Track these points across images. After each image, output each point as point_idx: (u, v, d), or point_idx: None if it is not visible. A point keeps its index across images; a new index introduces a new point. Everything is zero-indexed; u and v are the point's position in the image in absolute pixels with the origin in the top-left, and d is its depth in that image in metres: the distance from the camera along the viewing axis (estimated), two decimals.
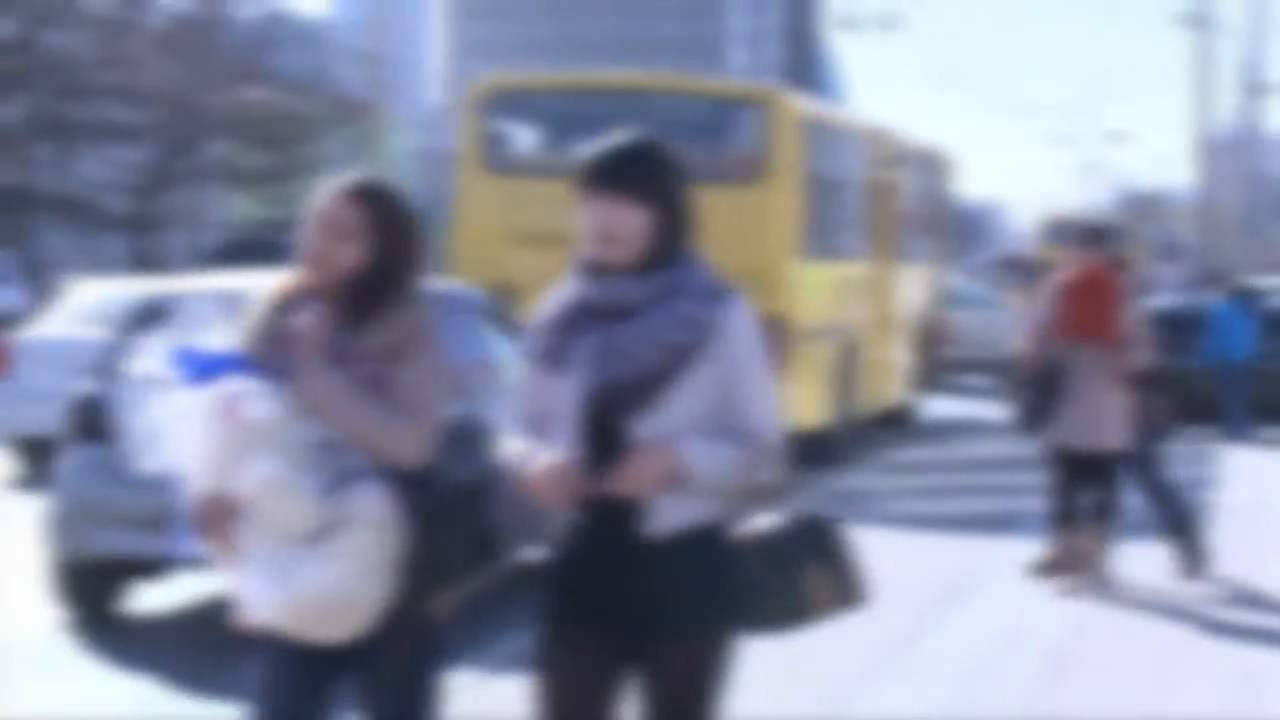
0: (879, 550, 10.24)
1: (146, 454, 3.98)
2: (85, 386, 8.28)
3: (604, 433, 3.61)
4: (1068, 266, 9.30)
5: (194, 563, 7.26)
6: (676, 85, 16.09)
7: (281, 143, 42.85)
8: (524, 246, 13.76)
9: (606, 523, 3.63)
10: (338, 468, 3.77)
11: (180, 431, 3.84)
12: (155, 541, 7.57)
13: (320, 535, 3.74)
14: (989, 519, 11.78)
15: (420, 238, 3.94)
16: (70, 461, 8.12)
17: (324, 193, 3.90)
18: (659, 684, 3.65)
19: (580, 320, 3.66)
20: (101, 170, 39.77)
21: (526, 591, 7.75)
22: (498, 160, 14.62)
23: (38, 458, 12.12)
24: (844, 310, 15.95)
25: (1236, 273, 48.35)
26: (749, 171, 14.14)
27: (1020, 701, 6.76)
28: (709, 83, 18.77)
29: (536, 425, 3.70)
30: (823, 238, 15.31)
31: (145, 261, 39.81)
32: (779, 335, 13.58)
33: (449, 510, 3.84)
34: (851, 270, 16.43)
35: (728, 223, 13.10)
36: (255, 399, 3.77)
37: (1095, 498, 9.08)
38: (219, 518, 3.78)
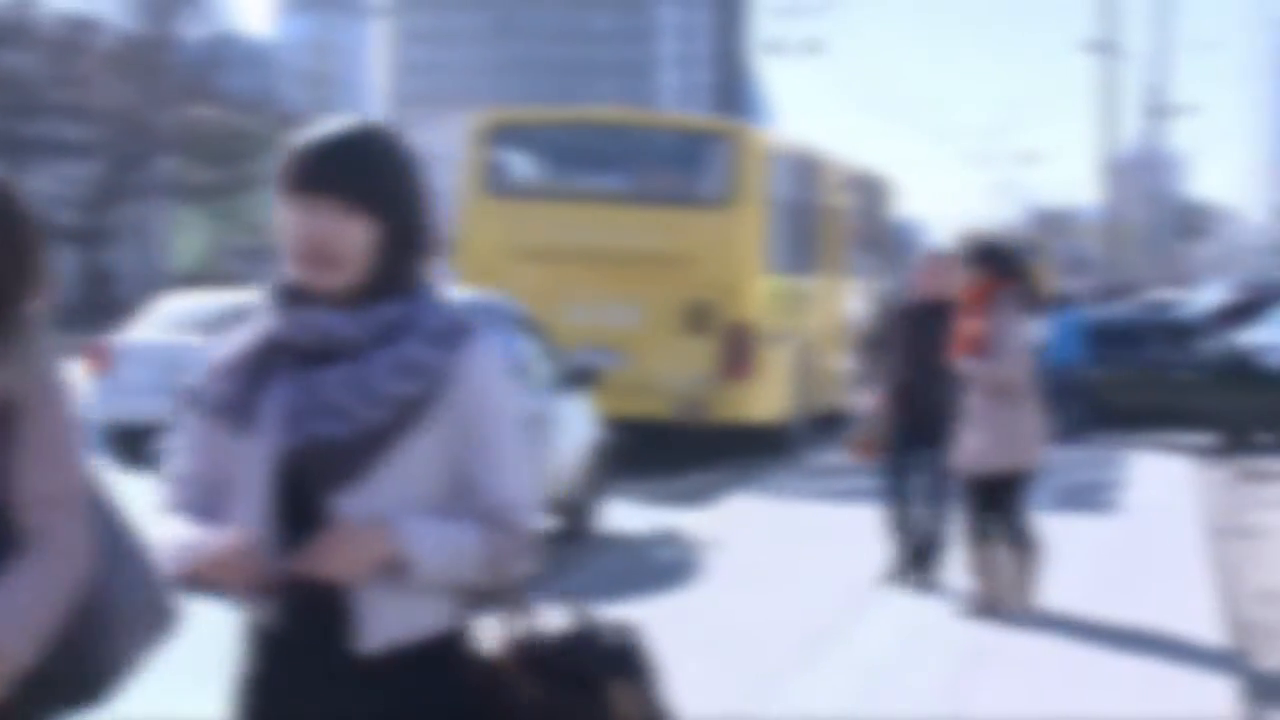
0: (801, 547, 10.27)
1: None
2: (189, 384, 8.54)
3: (300, 509, 2.59)
4: (960, 287, 8.66)
5: None
6: (657, 120, 17.86)
7: (229, 159, 42.64)
8: (523, 262, 14.89)
9: (305, 631, 2.60)
10: None
11: None
12: None
13: None
14: None
15: (40, 247, 2.76)
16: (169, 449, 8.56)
17: None
18: None
19: (273, 364, 2.70)
20: (52, 185, 39.34)
21: None
22: (498, 185, 15.72)
23: (130, 443, 13.56)
24: (800, 319, 16.98)
25: (1141, 286, 48.83)
26: (720, 197, 15.37)
27: (932, 697, 6.73)
28: (685, 118, 21.43)
29: (207, 497, 2.69)
30: (782, 255, 16.45)
31: (95, 274, 39.40)
32: (746, 341, 15.18)
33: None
34: (806, 284, 17.38)
35: (701, 242, 15.10)
36: None
37: (1005, 519, 8.43)
38: None
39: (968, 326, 8.36)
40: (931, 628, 8.17)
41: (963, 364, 8.33)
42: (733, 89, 33.86)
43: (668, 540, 10.79)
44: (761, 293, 15.73)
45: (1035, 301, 9.19)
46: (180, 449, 2.80)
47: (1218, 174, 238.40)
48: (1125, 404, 18.24)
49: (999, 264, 8.42)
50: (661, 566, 9.88)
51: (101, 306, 36.94)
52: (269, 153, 46.17)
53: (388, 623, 2.57)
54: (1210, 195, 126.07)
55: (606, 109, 19.51)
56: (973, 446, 8.32)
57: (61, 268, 40.11)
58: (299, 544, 2.57)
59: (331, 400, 2.62)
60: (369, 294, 2.64)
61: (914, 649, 7.69)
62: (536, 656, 2.64)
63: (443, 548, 2.57)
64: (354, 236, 2.61)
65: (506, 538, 2.63)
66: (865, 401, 9.43)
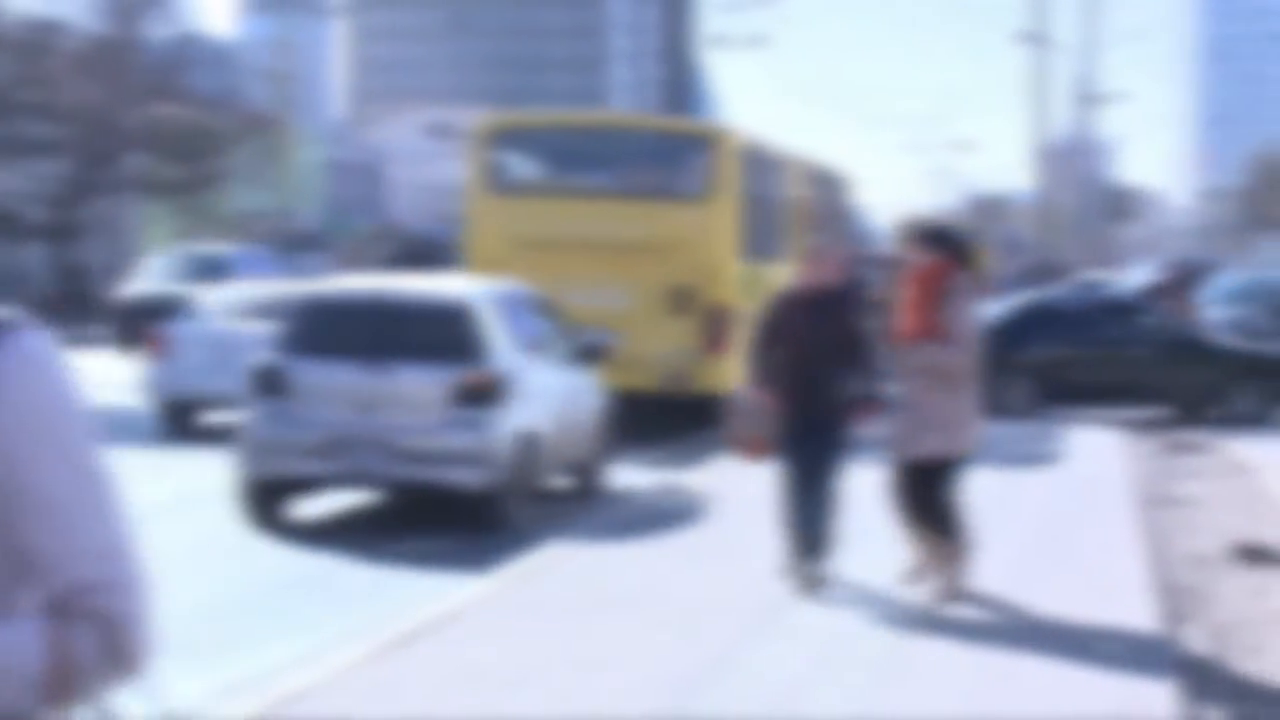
0: (726, 546, 10.25)
1: None
2: (264, 358, 10.81)
3: None
4: (905, 269, 8.35)
5: (335, 482, 10.66)
6: (642, 123, 19.17)
7: (194, 156, 42.38)
8: (524, 252, 15.85)
9: None
10: None
11: None
12: (313, 465, 10.50)
13: None
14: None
15: None
16: (254, 411, 10.68)
17: None
18: None
19: None
20: (23, 182, 38.96)
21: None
22: (500, 183, 16.68)
23: (180, 416, 15.76)
24: None
25: (1072, 267, 49.09)
26: (699, 192, 16.43)
27: (852, 702, 6.28)
28: (669, 121, 22.17)
29: None
30: (754, 243, 17.34)
31: (65, 268, 39.08)
32: (723, 320, 16.16)
33: None
34: (775, 269, 17.79)
35: (683, 232, 16.19)
36: None
37: (939, 505, 8.11)
38: None
39: (922, 313, 7.90)
40: (850, 629, 7.73)
41: (919, 352, 7.88)
42: (681, 83, 33.83)
43: (670, 494, 11.85)
44: (736, 277, 16.60)
45: (983, 286, 9.05)
46: None
47: (1144, 159, 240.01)
48: (1075, 381, 18.39)
49: (951, 248, 8.02)
50: (666, 514, 10.88)
51: (72, 300, 36.61)
52: (234, 149, 45.93)
53: None
54: (1137, 180, 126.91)
55: (598, 114, 23.83)
56: (913, 433, 7.92)
57: (33, 263, 39.76)
58: None
59: None
60: None
61: (833, 651, 7.27)
62: None
63: None
64: None
65: (87, 635, 1.71)
66: (750, 395, 8.47)
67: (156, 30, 42.37)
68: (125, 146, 40.14)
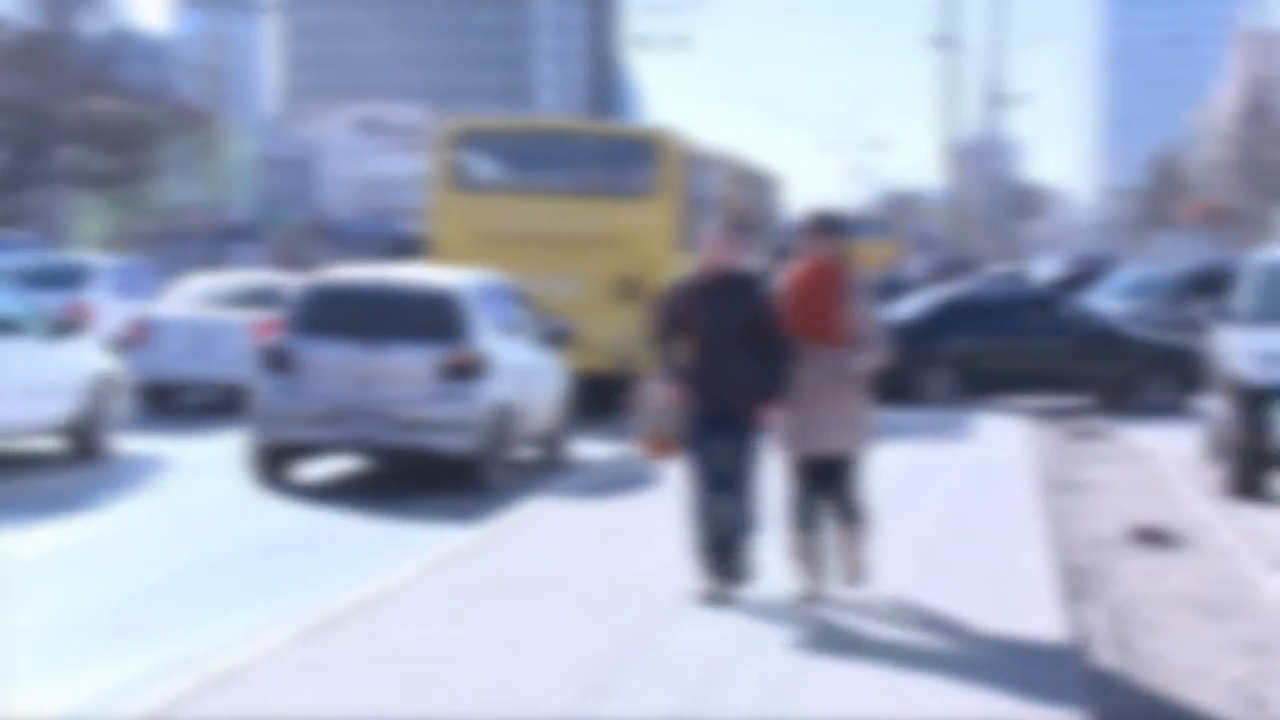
0: (647, 547, 10.25)
1: None
2: (274, 340, 11.96)
3: None
4: (796, 262, 7.67)
5: (335, 448, 11.87)
6: (594, 128, 20.38)
7: (127, 148, 41.87)
8: (484, 245, 16.52)
9: None
10: None
11: None
12: (316, 432, 11.62)
13: None
14: None
15: None
16: (264, 385, 11.80)
17: None
18: None
19: None
20: None
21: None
22: (463, 182, 17.45)
23: (159, 398, 16.69)
24: None
25: (982, 262, 49.49)
26: (645, 190, 17.27)
27: (756, 701, 6.11)
28: (618, 127, 23.56)
29: None
30: (694, 237, 18.02)
31: None
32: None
33: None
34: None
35: (630, 227, 17.01)
36: None
37: (836, 504, 7.64)
38: None
39: (830, 311, 7.41)
40: (753, 630, 7.29)
41: (833, 358, 7.41)
42: (605, 81, 33.60)
43: (624, 463, 12.24)
44: (678, 268, 17.30)
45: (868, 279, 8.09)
46: None
47: (1050, 158, 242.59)
48: (994, 372, 18.57)
49: (843, 237, 7.57)
50: (623, 480, 11.53)
51: None
52: (166, 142, 45.42)
53: None
54: (1043, 178, 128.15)
55: (553, 119, 25.70)
56: (813, 430, 7.46)
57: None
58: None
59: None
60: None
61: (737, 652, 6.80)
62: None
63: None
64: None
65: None
66: (653, 391, 7.70)
67: (90, 24, 41.78)
68: (58, 138, 39.58)
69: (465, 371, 11.65)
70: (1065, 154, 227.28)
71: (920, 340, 18.52)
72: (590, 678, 6.35)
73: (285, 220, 63.21)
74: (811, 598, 7.58)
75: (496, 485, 11.74)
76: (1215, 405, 12.92)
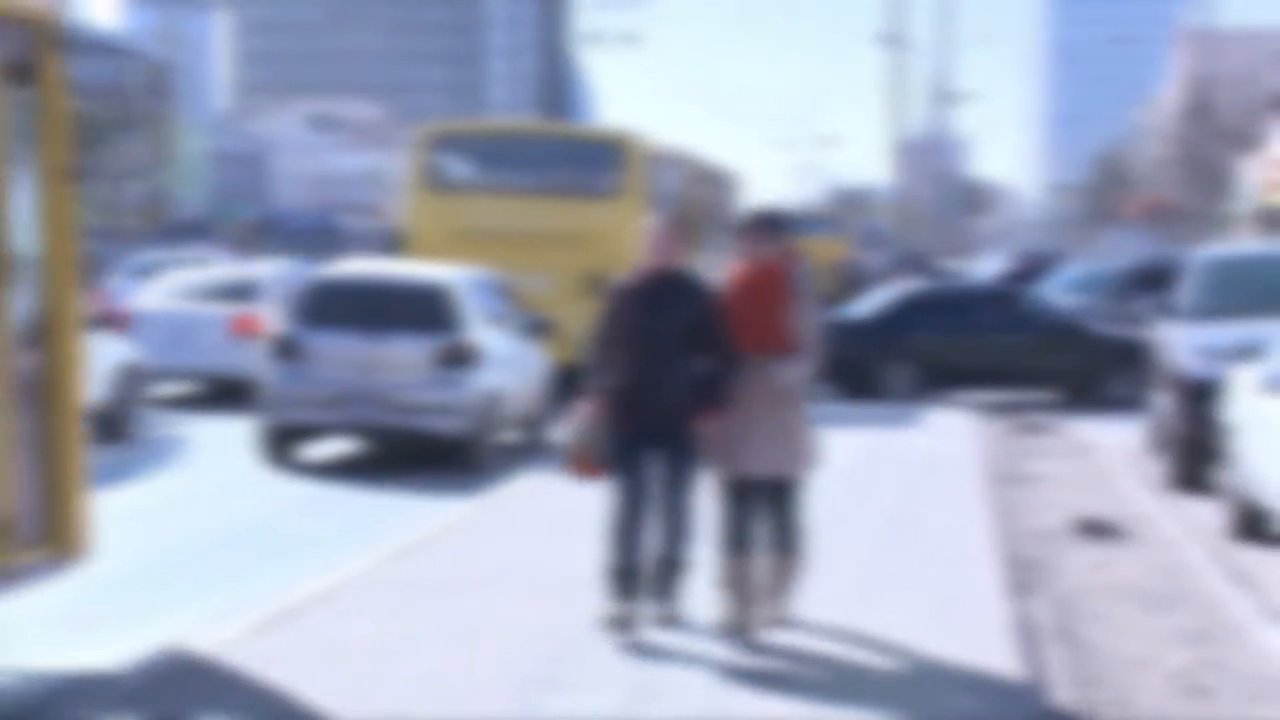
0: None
1: None
2: (282, 330, 12.87)
3: None
4: (736, 264, 6.97)
5: (338, 430, 12.76)
6: (563, 131, 21.37)
7: (79, 145, 41.49)
8: (458, 243, 17.22)
9: None
10: None
11: None
12: (321, 415, 12.54)
13: None
14: None
15: None
16: (273, 371, 12.70)
17: None
18: None
19: None
20: None
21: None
22: (439, 182, 18.29)
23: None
24: None
25: (930, 257, 49.81)
26: (611, 190, 18.02)
27: (694, 704, 6.01)
28: (586, 129, 25.11)
29: None
30: None
31: None
32: None
33: None
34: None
35: (597, 225, 17.67)
36: None
37: (772, 531, 6.91)
38: None
39: (771, 319, 6.74)
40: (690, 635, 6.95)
41: (768, 369, 6.74)
42: (557, 78, 33.53)
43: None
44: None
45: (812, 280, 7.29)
46: None
47: (996, 155, 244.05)
48: (956, 367, 18.66)
49: (786, 236, 6.93)
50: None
51: None
52: (117, 138, 45.03)
53: None
54: (990, 175, 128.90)
55: (525, 123, 23.38)
56: (749, 448, 6.75)
57: None
58: None
59: None
60: None
61: (676, 656, 6.58)
62: None
63: None
64: None
65: None
66: (581, 408, 6.96)
67: None
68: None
69: (458, 360, 12.54)
70: (1011, 151, 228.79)
71: (882, 335, 18.67)
72: (535, 671, 6.37)
73: (237, 215, 62.82)
74: (742, 628, 6.83)
75: (484, 464, 12.60)
76: (1158, 399, 13.04)
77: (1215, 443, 10.48)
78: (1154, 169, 68.82)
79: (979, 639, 6.97)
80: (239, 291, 17.69)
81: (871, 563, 8.60)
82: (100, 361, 13.54)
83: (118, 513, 9.64)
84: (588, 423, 6.88)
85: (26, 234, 6.54)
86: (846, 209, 63.10)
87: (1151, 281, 23.87)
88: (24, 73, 6.53)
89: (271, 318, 15.51)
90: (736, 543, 6.88)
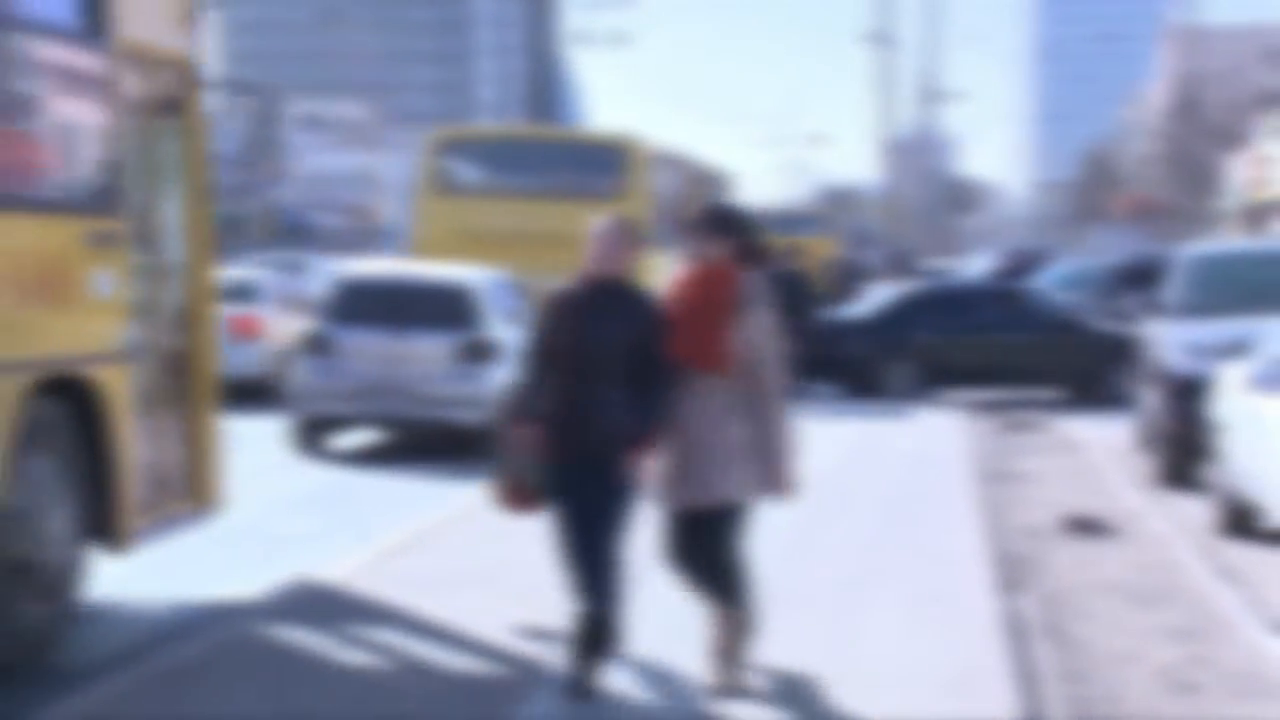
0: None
1: None
2: (311, 326, 13.75)
3: None
4: (686, 266, 6.15)
5: (366, 421, 13.69)
6: (569, 135, 22.39)
7: None
8: (465, 245, 17.73)
9: None
10: None
11: None
12: (349, 407, 13.36)
13: None
14: None
15: None
16: (303, 366, 13.51)
17: None
18: None
19: None
20: None
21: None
22: (447, 186, 18.94)
23: None
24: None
25: (919, 256, 49.88)
26: (615, 192, 18.47)
27: (688, 702, 5.92)
28: (590, 133, 25.64)
29: None
30: (658, 234, 19.02)
31: None
32: None
33: None
34: (675, 256, 19.26)
35: None
36: None
37: (721, 564, 6.00)
38: None
39: (708, 330, 5.86)
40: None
41: (723, 387, 5.87)
42: (545, 77, 33.53)
43: None
44: (645, 264, 18.36)
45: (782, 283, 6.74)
46: None
47: (984, 154, 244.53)
48: (958, 365, 18.68)
49: (743, 238, 6.06)
50: None
51: None
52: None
53: None
54: (977, 173, 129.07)
55: (530, 128, 24.63)
56: (692, 478, 5.87)
57: None
58: None
59: None
60: None
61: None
62: None
63: None
64: None
65: None
66: (514, 434, 5.98)
67: None
68: None
69: (478, 355, 13.31)
70: (999, 149, 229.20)
71: (883, 334, 18.72)
72: (508, 675, 6.36)
73: (227, 214, 62.71)
74: (729, 690, 5.98)
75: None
76: (1146, 396, 13.06)
77: (1203, 440, 10.50)
78: (1141, 166, 68.99)
79: (967, 635, 6.98)
80: (241, 293, 17.63)
81: (859, 560, 8.60)
82: None
83: None
84: (521, 450, 5.91)
85: (176, 242, 7.77)
86: (834, 208, 63.17)
87: (1139, 279, 23.92)
88: (172, 107, 7.77)
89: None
90: (685, 584, 6.05)
